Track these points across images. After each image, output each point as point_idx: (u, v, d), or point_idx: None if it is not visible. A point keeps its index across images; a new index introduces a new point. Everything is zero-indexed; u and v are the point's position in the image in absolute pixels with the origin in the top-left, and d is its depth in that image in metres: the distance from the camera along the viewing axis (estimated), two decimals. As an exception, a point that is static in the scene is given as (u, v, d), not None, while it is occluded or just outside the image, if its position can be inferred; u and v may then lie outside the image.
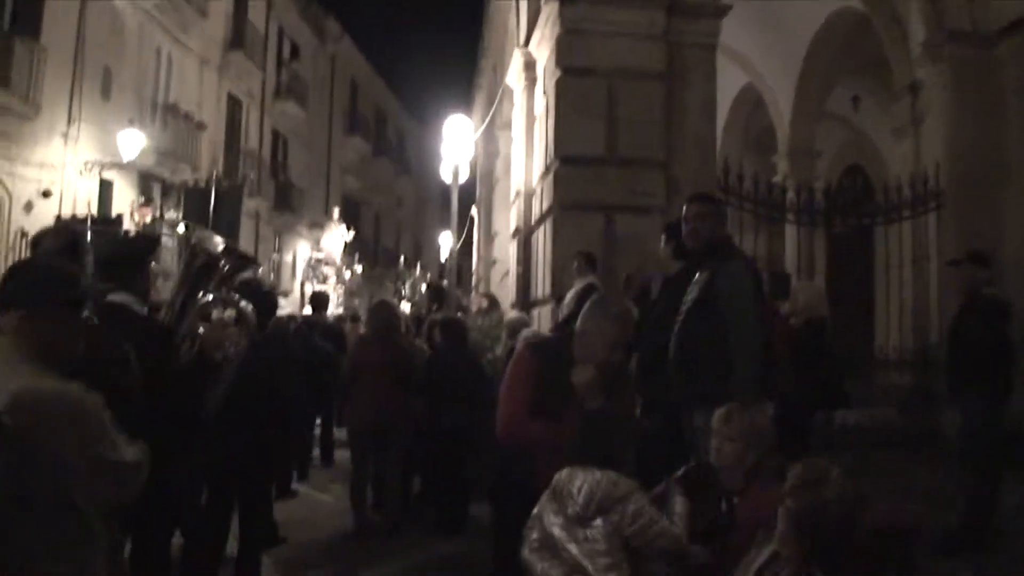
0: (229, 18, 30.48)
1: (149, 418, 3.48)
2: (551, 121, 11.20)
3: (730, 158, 12.56)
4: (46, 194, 20.19)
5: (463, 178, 14.05)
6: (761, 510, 3.58)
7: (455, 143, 13.35)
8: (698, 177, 10.83)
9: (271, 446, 6.45)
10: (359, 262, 34.72)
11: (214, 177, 22.05)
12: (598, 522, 3.69)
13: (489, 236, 21.27)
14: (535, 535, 3.86)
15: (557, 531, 3.77)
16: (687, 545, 3.84)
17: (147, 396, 3.83)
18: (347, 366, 8.78)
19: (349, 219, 41.84)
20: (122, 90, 23.70)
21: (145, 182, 24.98)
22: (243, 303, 5.26)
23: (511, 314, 12.66)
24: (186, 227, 18.15)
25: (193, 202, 21.84)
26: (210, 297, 4.95)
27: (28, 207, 19.76)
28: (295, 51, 37.95)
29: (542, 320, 11.07)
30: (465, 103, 30.07)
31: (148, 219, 22.73)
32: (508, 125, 17.89)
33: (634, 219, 10.55)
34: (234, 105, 31.79)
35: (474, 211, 25.27)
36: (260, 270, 16.19)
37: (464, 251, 33.40)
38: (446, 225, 38.98)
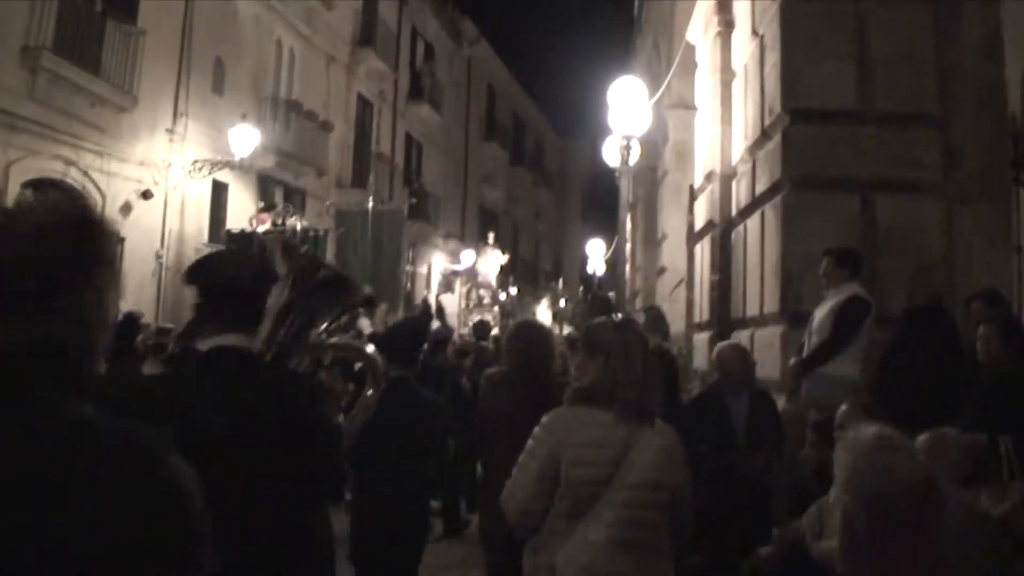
0: (358, 14, 28.07)
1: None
2: (771, 66, 7.99)
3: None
4: (146, 195, 17.91)
5: (633, 160, 10.88)
6: None
7: (625, 112, 10.14)
8: (983, 142, 7.49)
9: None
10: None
11: (371, 199, 19.72)
12: None
13: (653, 241, 18.03)
14: None
15: None
16: None
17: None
18: (478, 421, 5.57)
19: (485, 230, 39.54)
20: (237, 85, 21.37)
21: (265, 186, 22.68)
22: (370, 349, 4.31)
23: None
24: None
25: (350, 226, 20.21)
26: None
27: (126, 209, 17.47)
28: (429, 52, 35.50)
29: (759, 347, 7.82)
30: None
31: (268, 226, 20.25)
32: (679, 104, 14.70)
33: (902, 200, 7.27)
34: (364, 107, 29.44)
35: (626, 216, 22.01)
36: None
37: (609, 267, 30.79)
38: (593, 234, 36.61)
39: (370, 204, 19.89)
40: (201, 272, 3.09)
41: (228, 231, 19.46)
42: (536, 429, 3.47)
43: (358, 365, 5.12)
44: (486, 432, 4.84)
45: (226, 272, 3.13)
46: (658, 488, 3.35)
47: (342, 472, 3.62)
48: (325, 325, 3.82)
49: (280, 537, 2.90)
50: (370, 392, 4.13)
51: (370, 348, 4.51)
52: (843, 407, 5.14)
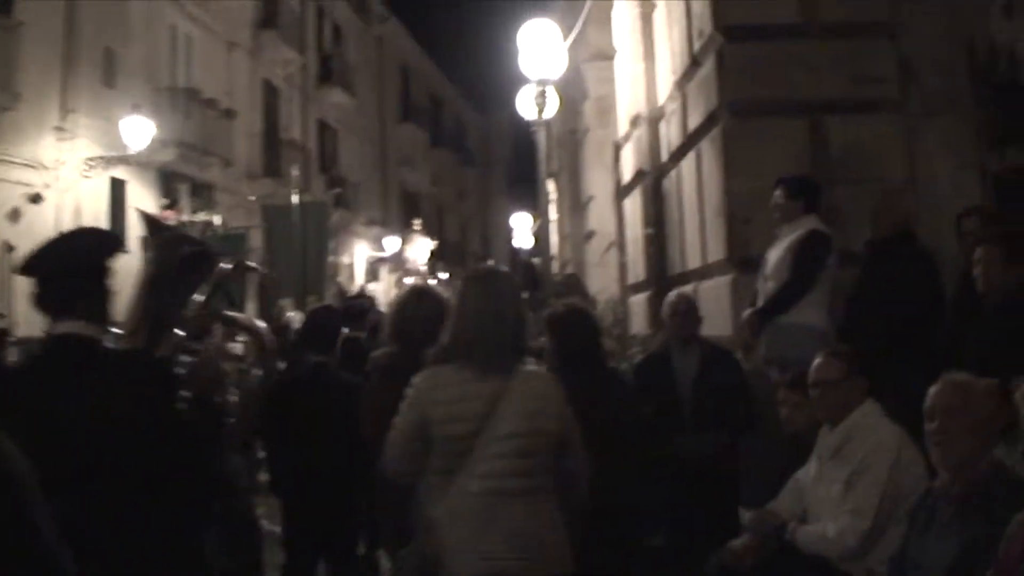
0: (257, -6, 26.76)
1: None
2: (697, -17, 7.07)
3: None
4: (36, 199, 16.68)
5: (551, 111, 9.90)
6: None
7: (538, 56, 9.14)
8: (940, 54, 6.68)
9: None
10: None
11: (296, 193, 19.06)
12: None
13: (578, 205, 17.11)
14: None
15: None
16: None
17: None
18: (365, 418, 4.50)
19: (409, 214, 38.51)
20: (129, 76, 20.00)
21: (168, 181, 21.37)
22: (256, 321, 4.37)
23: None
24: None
25: (274, 222, 19.45)
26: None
27: (14, 215, 16.26)
28: (337, 33, 34.21)
29: (705, 301, 6.89)
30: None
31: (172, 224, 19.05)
32: (598, 56, 13.76)
33: (856, 121, 6.42)
34: (271, 93, 28.11)
35: (550, 185, 20.98)
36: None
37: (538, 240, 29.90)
38: (520, 209, 35.62)
39: (295, 198, 19.02)
40: (32, 262, 2.93)
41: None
42: (407, 391, 3.46)
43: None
44: (378, 430, 3.80)
45: (53, 256, 2.96)
46: (534, 435, 3.35)
47: (211, 475, 3.23)
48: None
49: (131, 536, 2.73)
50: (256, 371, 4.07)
51: (261, 323, 4.48)
52: (817, 359, 4.24)
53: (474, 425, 3.30)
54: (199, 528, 3.24)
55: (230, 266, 3.97)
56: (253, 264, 10.89)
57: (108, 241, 3.15)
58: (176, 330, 3.54)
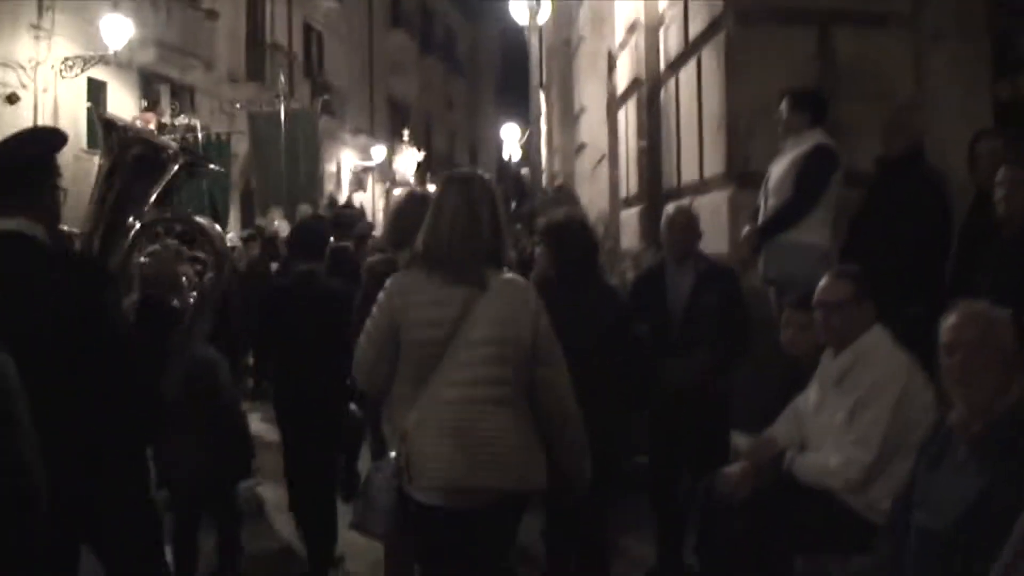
0: None
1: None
2: None
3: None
4: (11, 99, 16.55)
5: (544, 14, 9.54)
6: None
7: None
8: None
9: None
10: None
11: (282, 100, 18.62)
12: None
13: (570, 118, 16.71)
14: None
15: None
16: None
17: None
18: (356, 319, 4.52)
19: (396, 123, 37.90)
20: (109, -27, 19.35)
21: (148, 83, 20.96)
22: (207, 222, 4.27)
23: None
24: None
25: (261, 130, 19.40)
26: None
27: (-9, 116, 15.86)
28: (323, -67, 33.18)
29: (702, 217, 6.63)
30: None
31: (152, 126, 18.65)
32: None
33: (865, 35, 6.14)
34: (253, -5, 27.35)
35: (540, 96, 20.53)
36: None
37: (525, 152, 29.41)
38: (508, 121, 35.16)
39: (282, 107, 18.68)
40: None
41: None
42: (379, 295, 3.40)
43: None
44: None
45: None
46: (507, 343, 3.26)
47: (150, 378, 3.18)
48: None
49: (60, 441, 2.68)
50: (209, 277, 4.06)
51: (217, 227, 4.45)
52: (824, 280, 4.01)
53: (446, 330, 3.21)
54: (143, 434, 3.29)
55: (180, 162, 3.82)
56: (210, 164, 10.69)
57: (52, 137, 3.15)
58: (133, 229, 3.57)
